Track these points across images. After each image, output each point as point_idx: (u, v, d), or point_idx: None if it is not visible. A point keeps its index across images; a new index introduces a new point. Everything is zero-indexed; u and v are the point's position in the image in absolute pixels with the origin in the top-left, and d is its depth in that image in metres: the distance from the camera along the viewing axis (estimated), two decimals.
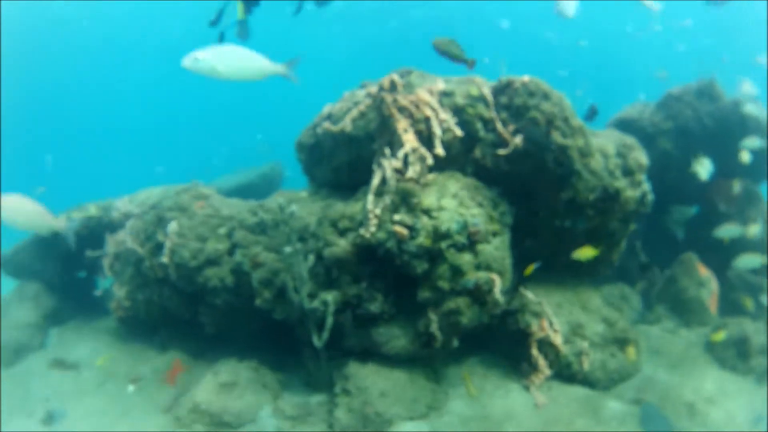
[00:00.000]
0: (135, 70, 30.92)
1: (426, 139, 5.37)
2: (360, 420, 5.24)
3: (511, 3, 25.46)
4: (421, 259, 5.15)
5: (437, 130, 5.31)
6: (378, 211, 5.20)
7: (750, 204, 7.76)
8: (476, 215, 5.24)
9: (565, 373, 5.74)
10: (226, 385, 5.74)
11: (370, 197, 5.27)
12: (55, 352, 7.38)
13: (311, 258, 5.57)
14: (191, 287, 6.30)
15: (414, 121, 5.40)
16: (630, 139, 6.45)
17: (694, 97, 7.76)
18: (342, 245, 5.41)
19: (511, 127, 5.68)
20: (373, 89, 5.54)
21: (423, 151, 5.22)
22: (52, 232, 7.20)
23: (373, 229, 5.20)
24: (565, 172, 5.69)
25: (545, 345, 5.71)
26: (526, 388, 5.61)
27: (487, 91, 5.77)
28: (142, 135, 34.71)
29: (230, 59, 5.10)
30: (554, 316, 5.82)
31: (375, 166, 5.39)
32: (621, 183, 6.00)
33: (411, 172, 5.20)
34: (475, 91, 5.74)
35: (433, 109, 5.42)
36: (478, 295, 5.22)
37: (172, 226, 6.40)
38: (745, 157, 7.32)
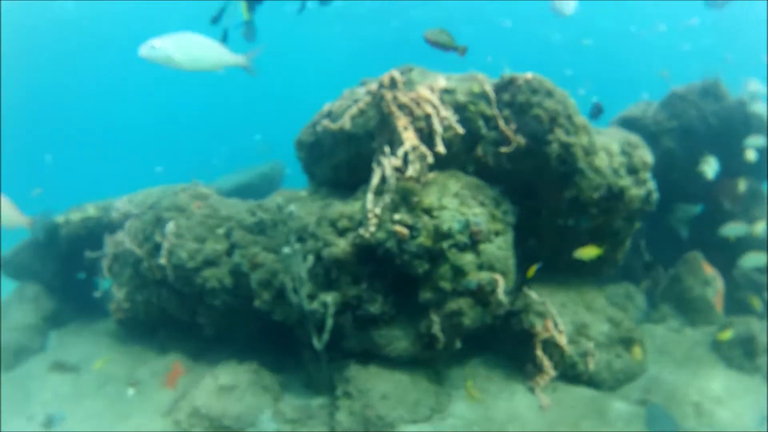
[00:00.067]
0: (135, 70, 30.90)
1: (427, 137, 5.29)
2: (362, 423, 5.18)
3: (512, 3, 25.48)
4: (422, 260, 5.08)
5: (438, 128, 5.22)
6: (378, 211, 5.13)
7: (754, 202, 7.72)
8: (478, 214, 5.18)
9: (570, 373, 5.69)
10: (226, 388, 5.68)
11: (370, 196, 5.19)
12: (55, 354, 7.37)
13: (310, 258, 5.50)
14: (189, 288, 6.24)
15: (414, 119, 5.32)
16: (634, 137, 6.39)
17: (698, 96, 7.74)
18: (341, 245, 5.34)
19: (513, 125, 5.62)
20: (373, 86, 5.47)
21: (423, 149, 5.14)
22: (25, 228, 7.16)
23: (372, 228, 5.13)
24: (569, 171, 5.64)
25: (550, 345, 5.65)
26: (531, 390, 5.55)
27: (489, 88, 5.71)
28: (141, 134, 34.78)
29: (188, 48, 4.90)
30: (559, 316, 5.76)
31: (375, 165, 5.31)
32: (625, 181, 5.93)
33: (411, 171, 5.13)
34: (477, 88, 5.68)
35: (434, 107, 5.34)
36: (481, 296, 5.15)
37: (170, 227, 6.35)
38: (751, 155, 7.30)
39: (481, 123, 5.67)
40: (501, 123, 5.61)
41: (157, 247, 6.43)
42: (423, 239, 5.03)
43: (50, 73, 29.69)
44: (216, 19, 7.13)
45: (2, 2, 21.27)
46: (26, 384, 6.68)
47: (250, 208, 6.32)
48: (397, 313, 5.47)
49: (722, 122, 7.60)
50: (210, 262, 6.13)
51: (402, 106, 5.29)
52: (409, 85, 5.68)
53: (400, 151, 5.10)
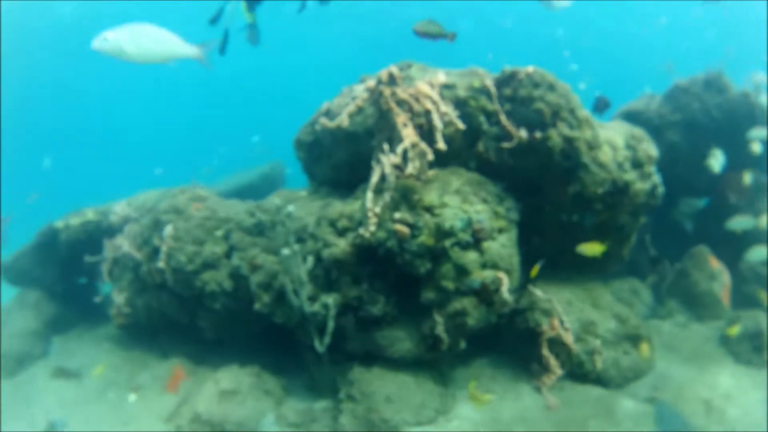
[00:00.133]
0: (134, 72, 30.91)
1: (427, 133, 5.21)
2: (366, 426, 5.12)
3: (513, 3, 25.44)
4: (423, 259, 5.01)
5: (438, 124, 5.13)
6: (377, 210, 5.05)
7: (759, 195, 7.65)
8: (481, 212, 5.10)
9: (577, 372, 5.62)
10: (228, 393, 5.63)
11: (369, 195, 5.11)
12: (58, 360, 7.40)
13: (310, 260, 5.43)
14: (189, 292, 6.19)
15: (414, 115, 5.24)
16: (639, 131, 6.31)
17: (701, 89, 7.69)
18: (341, 246, 5.27)
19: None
20: (371, 83, 5.38)
21: (423, 146, 5.05)
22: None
23: (372, 228, 5.05)
24: (572, 165, 5.57)
25: (556, 344, 5.58)
26: (538, 390, 5.48)
27: (489, 83, 5.63)
28: (140, 136, 34.78)
29: (140, 40, 4.80)
30: (564, 313, 5.68)
31: (374, 163, 5.23)
32: (630, 175, 5.85)
33: (411, 168, 5.05)
34: (477, 83, 5.60)
35: (434, 102, 5.25)
36: (485, 295, 5.08)
37: (168, 230, 6.30)
38: (757, 148, 7.25)
39: (482, 118, 5.60)
40: (502, 118, 5.53)
41: (156, 251, 6.38)
42: (424, 238, 4.96)
43: (49, 74, 29.71)
44: (214, 20, 7.05)
45: (2, 2, 21.25)
46: (28, 390, 6.69)
47: (248, 210, 6.26)
48: (400, 313, 5.39)
49: (726, 115, 7.54)
50: (209, 265, 6.08)
51: (401, 103, 5.21)
52: (408, 81, 5.61)
53: (400, 149, 5.02)
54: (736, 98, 7.56)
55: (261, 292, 5.70)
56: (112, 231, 7.42)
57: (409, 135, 5.04)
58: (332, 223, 5.43)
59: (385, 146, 5.16)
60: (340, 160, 6.04)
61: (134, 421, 5.87)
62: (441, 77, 5.65)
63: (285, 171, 12.24)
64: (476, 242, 5.06)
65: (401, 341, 5.35)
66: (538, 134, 5.44)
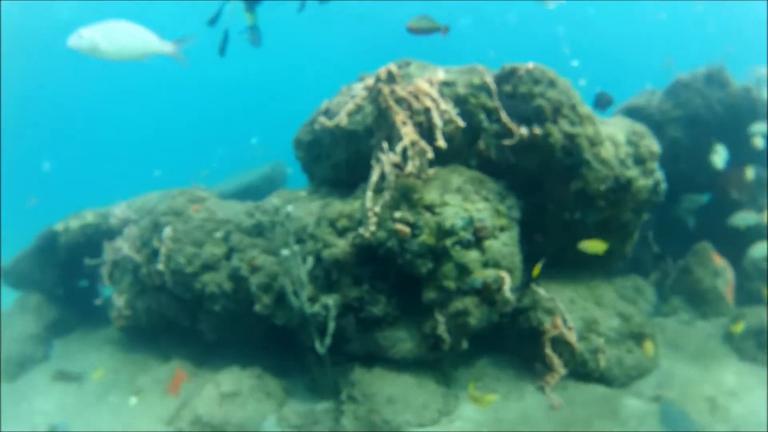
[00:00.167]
0: (133, 74, 30.95)
1: (426, 131, 5.17)
2: (368, 428, 5.09)
3: (513, 3, 25.44)
4: (424, 258, 4.97)
5: (438, 122, 5.08)
6: (377, 209, 5.01)
7: (761, 191, 7.61)
8: (482, 210, 5.06)
9: (580, 371, 5.57)
10: (228, 395, 5.61)
11: (369, 194, 5.07)
12: (59, 363, 7.38)
13: (310, 260, 5.39)
14: (189, 294, 6.17)
15: (413, 113, 5.19)
16: (640, 127, 6.28)
17: (703, 84, 7.63)
18: (341, 246, 5.24)
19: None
20: (370, 81, 5.34)
21: (423, 144, 5.01)
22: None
23: (372, 228, 5.01)
24: (574, 162, 5.53)
25: (559, 343, 5.53)
26: (541, 389, 5.44)
27: (489, 80, 5.60)
28: (139, 138, 34.77)
29: (114, 37, 4.76)
30: (567, 312, 5.64)
31: (373, 162, 5.19)
32: (633, 172, 5.81)
33: (411, 167, 5.01)
34: (477, 80, 5.57)
35: (434, 100, 5.21)
36: (487, 294, 5.04)
37: (167, 232, 6.27)
38: (759, 142, 7.20)
39: (482, 116, 5.56)
40: (503, 115, 5.50)
41: (156, 253, 6.36)
42: (425, 237, 4.92)
43: (49, 76, 29.77)
44: (213, 21, 7.01)
45: (2, 3, 21.25)
46: (29, 394, 6.68)
47: (248, 210, 6.23)
48: (401, 314, 5.35)
49: (728, 110, 7.49)
50: (208, 267, 6.05)
51: (400, 101, 5.17)
52: (408, 78, 5.58)
53: (399, 147, 4.97)
54: (738, 93, 7.49)
55: (261, 293, 5.67)
56: (111, 233, 7.40)
57: (408, 133, 4.99)
58: (332, 223, 5.40)
59: (385, 145, 5.12)
60: (339, 159, 6.01)
61: (135, 423, 5.85)
62: (440, 74, 5.60)
63: (286, 171, 12.20)
64: (478, 241, 5.02)
65: (403, 342, 5.32)
66: (538, 130, 5.41)
